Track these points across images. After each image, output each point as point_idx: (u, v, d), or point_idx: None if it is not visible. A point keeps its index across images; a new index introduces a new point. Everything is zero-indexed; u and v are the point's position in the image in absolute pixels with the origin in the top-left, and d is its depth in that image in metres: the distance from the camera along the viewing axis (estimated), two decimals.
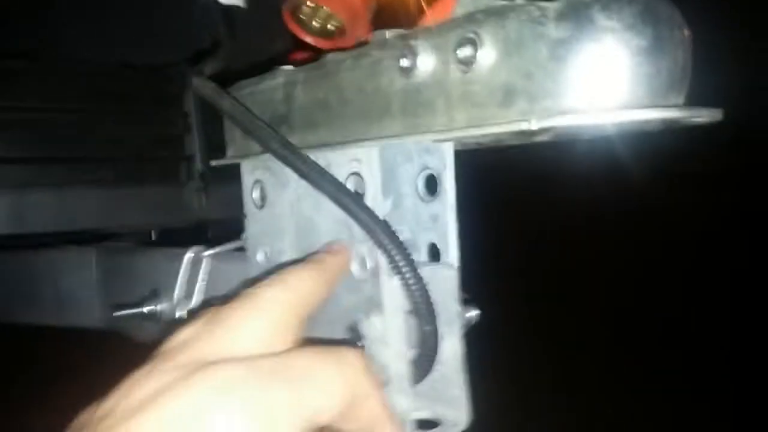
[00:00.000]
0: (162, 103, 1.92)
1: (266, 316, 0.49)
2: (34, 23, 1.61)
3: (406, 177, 0.72)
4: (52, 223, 1.71)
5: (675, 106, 0.42)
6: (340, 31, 0.83)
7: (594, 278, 5.11)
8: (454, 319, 0.67)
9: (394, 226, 0.73)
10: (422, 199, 0.71)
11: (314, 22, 0.84)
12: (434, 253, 0.71)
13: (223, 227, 2.07)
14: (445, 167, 0.67)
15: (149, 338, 1.10)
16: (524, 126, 0.44)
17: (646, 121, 0.42)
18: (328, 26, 0.84)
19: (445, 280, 0.67)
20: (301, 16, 0.84)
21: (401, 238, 0.72)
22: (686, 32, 0.44)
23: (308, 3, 0.81)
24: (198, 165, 1.96)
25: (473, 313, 0.72)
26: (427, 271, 0.64)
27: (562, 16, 0.43)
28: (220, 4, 0.89)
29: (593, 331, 4.52)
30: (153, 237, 2.03)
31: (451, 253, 0.69)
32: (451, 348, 0.67)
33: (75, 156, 1.75)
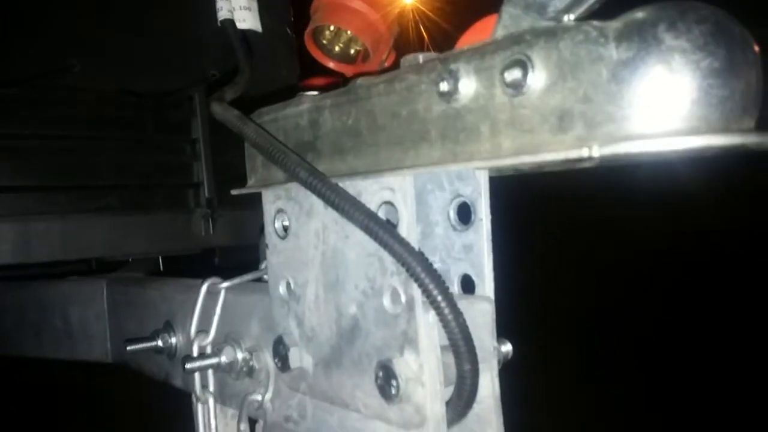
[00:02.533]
0: (168, 130, 1.90)
1: None
2: (37, 52, 1.60)
3: (436, 205, 0.69)
4: (58, 252, 1.68)
5: (750, 131, 0.39)
6: (363, 56, 0.81)
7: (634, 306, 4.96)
8: (490, 355, 0.64)
9: None
10: (454, 228, 0.68)
11: (336, 47, 0.81)
12: (467, 285, 0.68)
13: (231, 254, 2.05)
14: (480, 195, 0.64)
15: (161, 374, 1.06)
16: (584, 153, 0.41)
17: (720, 148, 0.39)
18: (351, 50, 0.82)
19: (481, 314, 0.64)
20: (322, 40, 0.81)
21: None
22: (757, 50, 0.41)
23: (330, 27, 0.79)
24: (205, 192, 1.95)
25: (506, 348, 0.69)
26: (462, 305, 0.60)
27: (623, 36, 0.40)
28: (237, 28, 0.86)
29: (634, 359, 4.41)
30: (161, 265, 2.01)
31: (487, 285, 0.66)
32: (488, 386, 0.64)
33: (80, 184, 1.73)
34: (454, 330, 0.56)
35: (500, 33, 0.50)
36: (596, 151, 0.40)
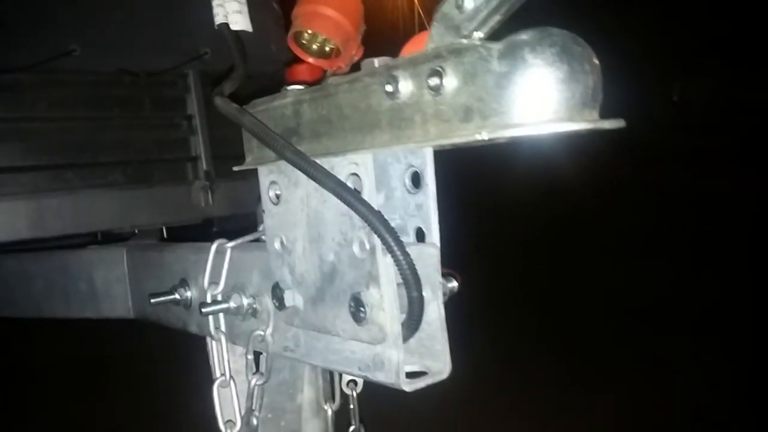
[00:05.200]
0: (165, 107, 2.07)
1: None
2: (41, 39, 1.75)
3: (395, 174, 0.88)
4: (70, 226, 1.87)
5: (586, 120, 0.57)
6: (336, 52, 0.99)
7: (551, 251, 7.12)
8: (436, 288, 0.83)
9: (387, 215, 0.89)
10: (409, 192, 0.87)
11: (314, 46, 0.99)
12: (420, 236, 0.87)
13: (228, 223, 2.22)
14: (427, 165, 0.83)
15: (178, 323, 1.25)
16: (478, 137, 0.59)
17: (566, 132, 0.57)
18: (326, 48, 0.99)
19: (429, 257, 0.83)
20: (302, 41, 0.99)
21: (393, 224, 0.88)
22: (595, 62, 0.59)
23: (308, 31, 0.96)
24: (203, 165, 2.12)
25: (452, 284, 0.88)
26: (414, 250, 0.79)
27: (502, 56, 0.58)
28: (232, 30, 1.03)
29: (559, 296, 5.87)
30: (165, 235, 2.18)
31: (434, 235, 0.85)
32: (435, 312, 0.83)
33: (86, 161, 1.90)
34: (404, 268, 0.75)
35: (430, 46, 0.68)
36: (485, 135, 0.59)
